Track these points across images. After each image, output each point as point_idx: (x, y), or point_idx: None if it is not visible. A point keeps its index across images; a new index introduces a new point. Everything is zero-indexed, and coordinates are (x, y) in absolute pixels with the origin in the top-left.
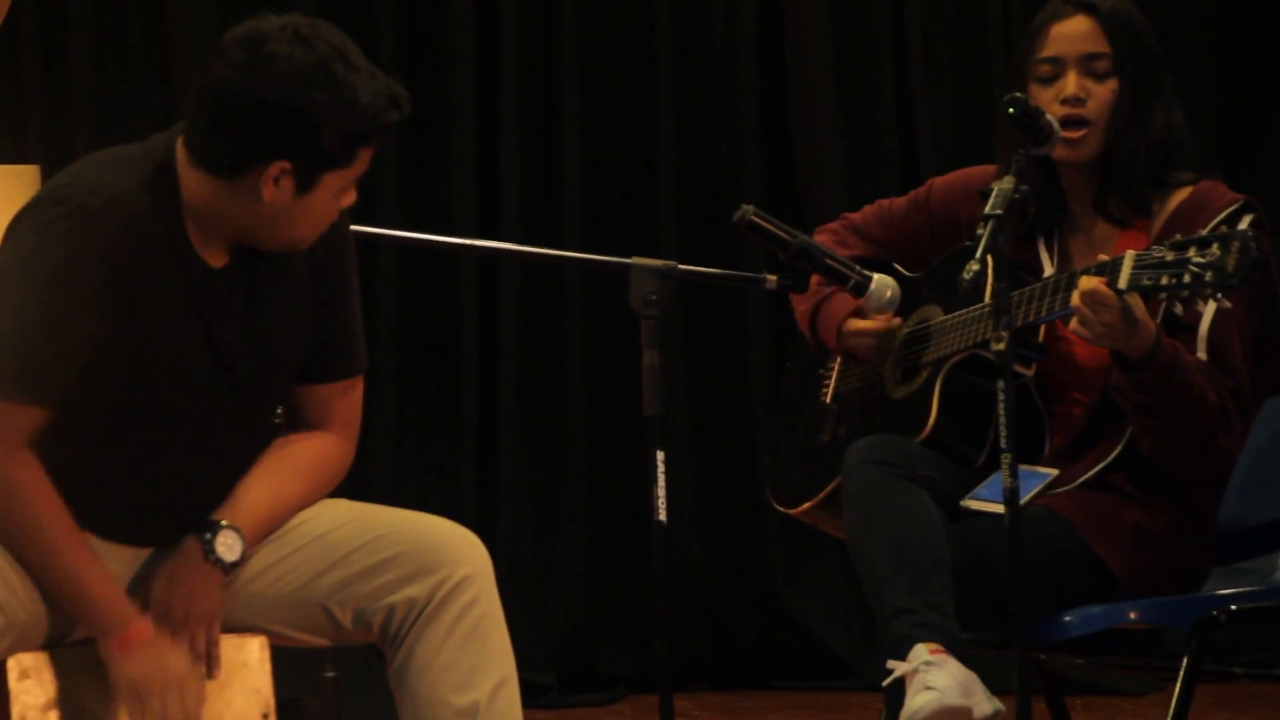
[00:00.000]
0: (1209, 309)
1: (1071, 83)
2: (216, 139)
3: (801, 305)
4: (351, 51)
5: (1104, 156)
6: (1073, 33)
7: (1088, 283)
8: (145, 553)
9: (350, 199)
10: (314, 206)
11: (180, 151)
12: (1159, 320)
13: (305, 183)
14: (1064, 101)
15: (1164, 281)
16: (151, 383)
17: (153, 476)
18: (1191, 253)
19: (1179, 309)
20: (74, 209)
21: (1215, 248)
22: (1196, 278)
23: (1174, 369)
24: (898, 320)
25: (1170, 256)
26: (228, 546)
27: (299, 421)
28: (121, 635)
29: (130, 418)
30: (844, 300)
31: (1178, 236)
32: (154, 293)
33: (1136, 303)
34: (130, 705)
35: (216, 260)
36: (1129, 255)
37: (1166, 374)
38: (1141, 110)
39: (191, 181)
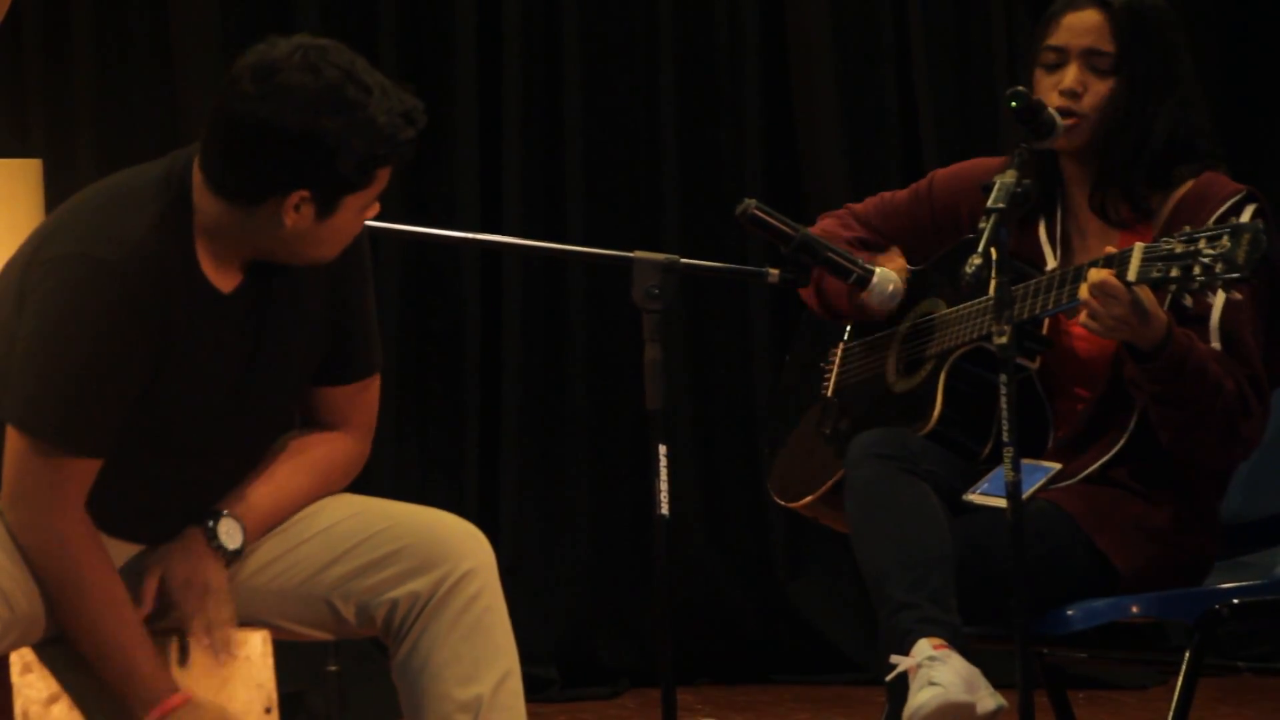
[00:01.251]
0: (1218, 300)
1: (1070, 75)
2: (234, 170)
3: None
4: (361, 70)
5: (1098, 152)
6: (1081, 25)
7: (1097, 274)
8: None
9: (373, 212)
10: (336, 227)
11: (197, 175)
12: (1166, 309)
13: (326, 208)
14: (1061, 93)
15: (1173, 274)
16: (166, 401)
17: (165, 483)
18: (1201, 245)
19: (1189, 301)
20: (100, 265)
21: (1225, 239)
22: (1206, 270)
23: (1188, 358)
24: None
25: (1179, 248)
26: (229, 534)
27: (314, 421)
28: (161, 708)
29: (145, 434)
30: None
31: (1187, 228)
32: (170, 324)
33: (1146, 294)
34: None
35: (227, 284)
36: (1138, 248)
37: (1180, 363)
38: (1141, 110)
39: (208, 206)
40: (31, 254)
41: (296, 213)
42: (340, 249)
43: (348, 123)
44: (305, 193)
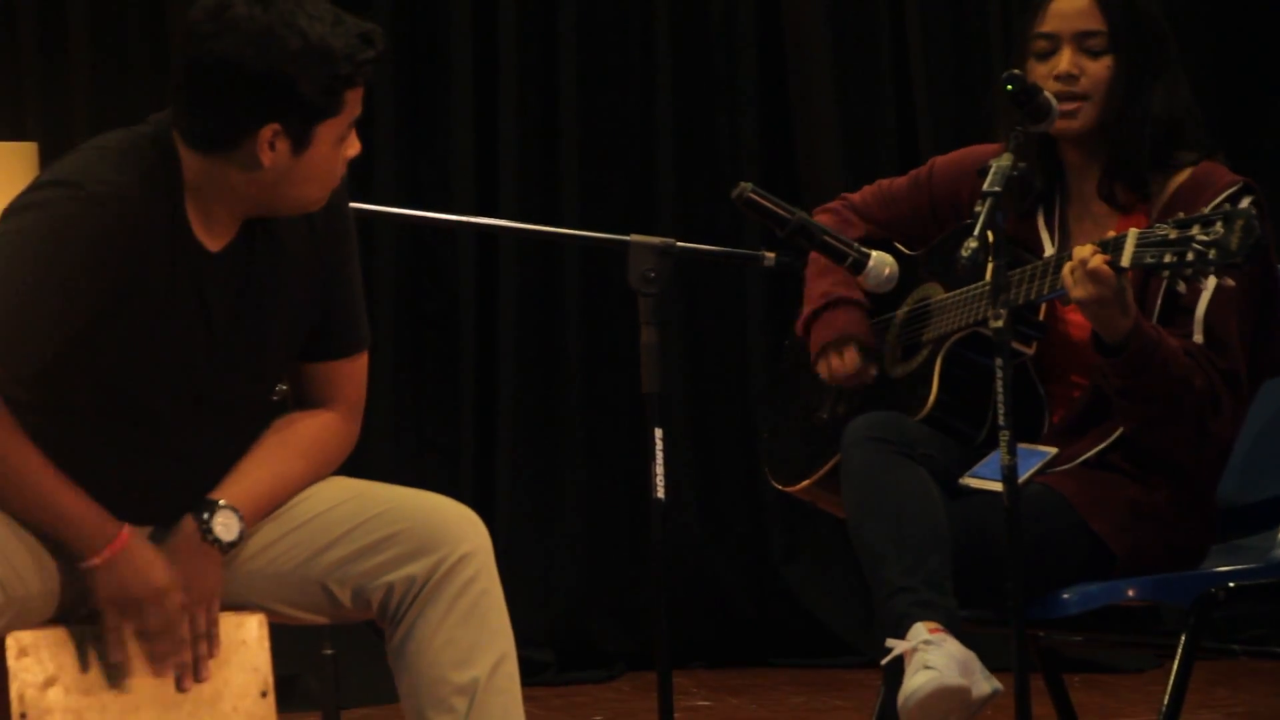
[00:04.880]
0: (1206, 291)
1: (1065, 60)
2: (203, 116)
3: (814, 296)
4: (311, 2)
5: (1103, 134)
6: (1069, 9)
7: (1086, 251)
8: (144, 531)
9: (354, 149)
10: (316, 161)
11: (176, 136)
12: (1160, 301)
13: (300, 139)
14: (1057, 78)
15: (1167, 259)
16: (150, 366)
17: (152, 456)
18: (1195, 230)
19: (1182, 287)
20: (71, 193)
21: (1219, 225)
22: (1200, 255)
23: (1153, 354)
24: (872, 373)
25: (1173, 234)
26: (225, 526)
27: (303, 399)
28: (103, 552)
29: (129, 399)
30: (854, 318)
31: (1180, 214)
32: (152, 279)
33: (1128, 287)
34: (111, 622)
35: (216, 243)
36: (1132, 233)
37: (1145, 359)
38: (1139, 88)
39: (191, 164)
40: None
41: (272, 150)
42: (327, 189)
43: (303, 49)
44: (276, 125)
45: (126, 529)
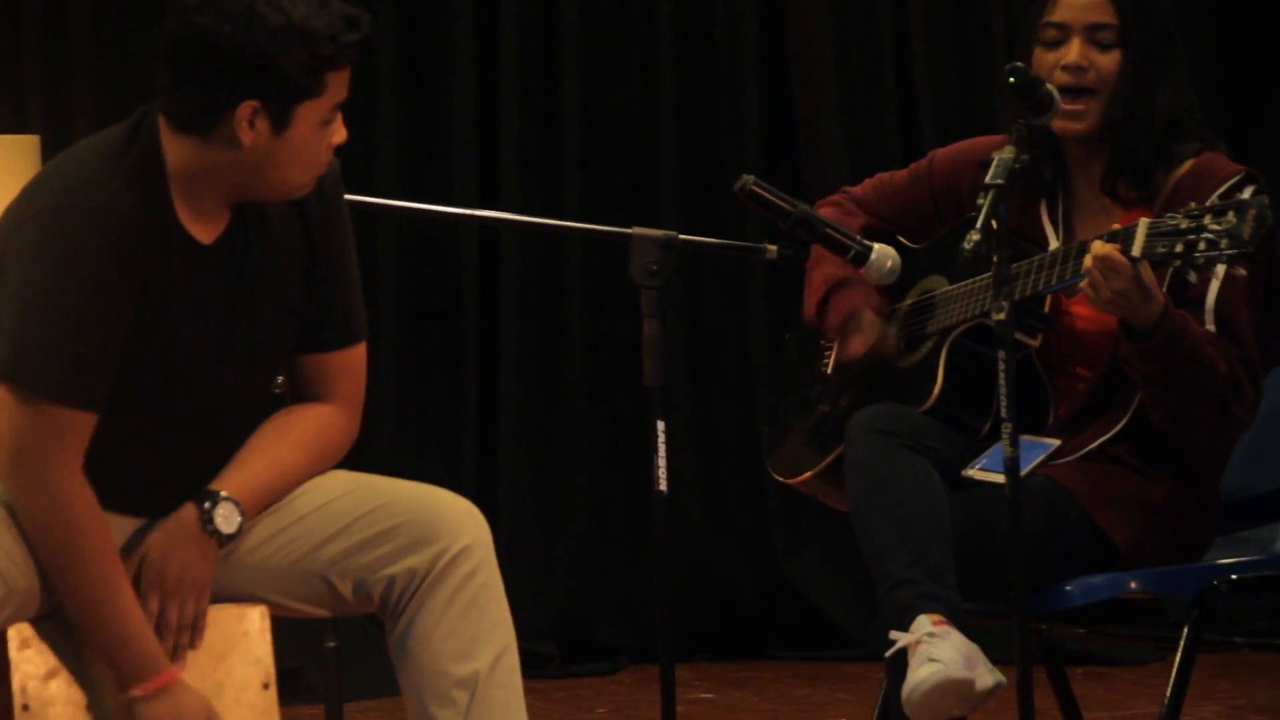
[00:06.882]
0: (1216, 280)
1: (1074, 50)
2: (182, 92)
3: (817, 282)
4: None
5: (1107, 132)
6: (1081, 0)
7: (1101, 248)
8: (141, 522)
9: (340, 136)
10: (297, 143)
11: (161, 122)
12: (1165, 290)
13: (280, 119)
14: (1065, 69)
15: (1178, 249)
16: (148, 358)
17: (150, 448)
18: (1206, 220)
19: (1192, 277)
20: (79, 214)
21: (1231, 215)
22: (1211, 245)
23: (1182, 339)
24: (893, 334)
25: (1185, 224)
26: (225, 518)
27: (302, 393)
28: (154, 682)
29: (128, 391)
30: (863, 294)
31: (1191, 205)
32: (151, 274)
33: (1146, 272)
34: None
35: (206, 235)
36: (1143, 223)
37: (1175, 344)
38: (1146, 86)
39: (174, 149)
40: (10, 220)
41: (252, 129)
42: (311, 175)
43: (283, 27)
44: (255, 103)
45: (173, 670)
